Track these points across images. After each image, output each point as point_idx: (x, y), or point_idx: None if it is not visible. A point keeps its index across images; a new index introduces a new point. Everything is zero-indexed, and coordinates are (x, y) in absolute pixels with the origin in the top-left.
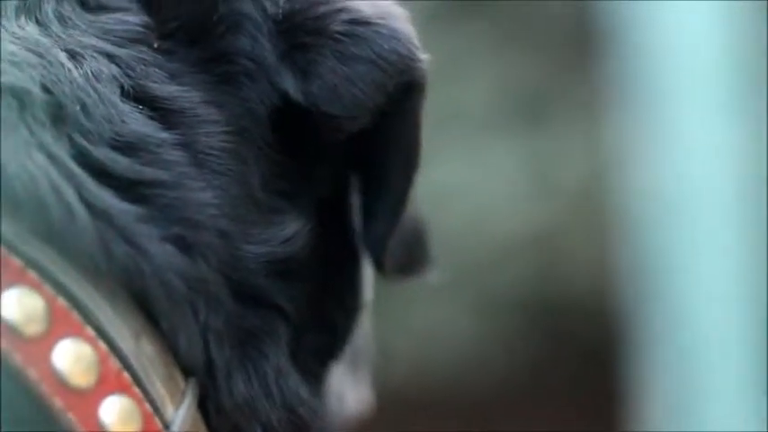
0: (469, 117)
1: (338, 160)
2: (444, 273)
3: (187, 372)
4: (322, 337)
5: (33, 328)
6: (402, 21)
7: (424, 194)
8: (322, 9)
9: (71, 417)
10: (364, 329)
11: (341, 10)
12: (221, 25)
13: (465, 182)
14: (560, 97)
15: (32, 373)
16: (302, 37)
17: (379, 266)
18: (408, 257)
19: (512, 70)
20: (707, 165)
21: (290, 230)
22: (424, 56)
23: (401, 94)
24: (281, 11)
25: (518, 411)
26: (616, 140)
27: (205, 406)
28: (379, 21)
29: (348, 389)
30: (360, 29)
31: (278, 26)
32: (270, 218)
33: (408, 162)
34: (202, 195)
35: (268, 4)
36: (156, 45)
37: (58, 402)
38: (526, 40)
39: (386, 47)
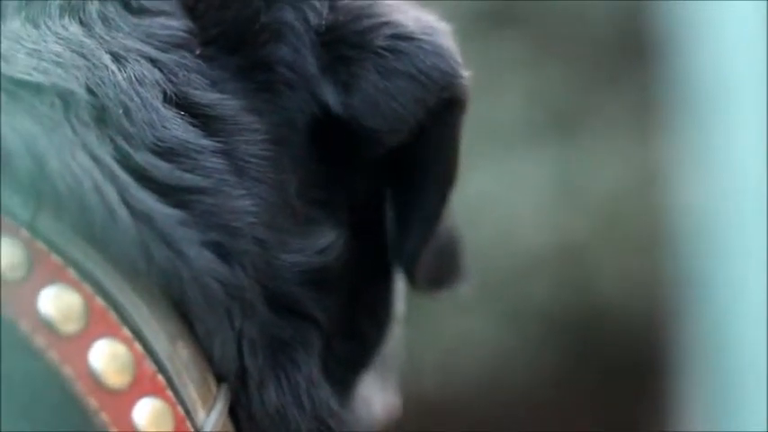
0: (501, 129)
1: (376, 173)
2: (473, 284)
3: (220, 377)
4: (353, 347)
5: (71, 326)
6: (445, 36)
7: (455, 206)
8: (366, 22)
9: (104, 417)
10: (391, 337)
11: (385, 24)
12: (263, 34)
13: (495, 194)
14: (592, 111)
15: (68, 371)
16: (345, 50)
17: (411, 279)
18: (441, 270)
19: (544, 83)
20: (737, 181)
21: (325, 241)
22: (466, 72)
23: (442, 109)
24: (324, 22)
25: (543, 423)
26: (647, 155)
27: (236, 412)
28: (422, 36)
29: (376, 394)
30: (402, 44)
31: (320, 37)
32: (306, 227)
33: (445, 178)
34: (241, 203)
35: (311, 15)
36: (198, 51)
37: (92, 401)
38: (558, 53)
39: (428, 62)
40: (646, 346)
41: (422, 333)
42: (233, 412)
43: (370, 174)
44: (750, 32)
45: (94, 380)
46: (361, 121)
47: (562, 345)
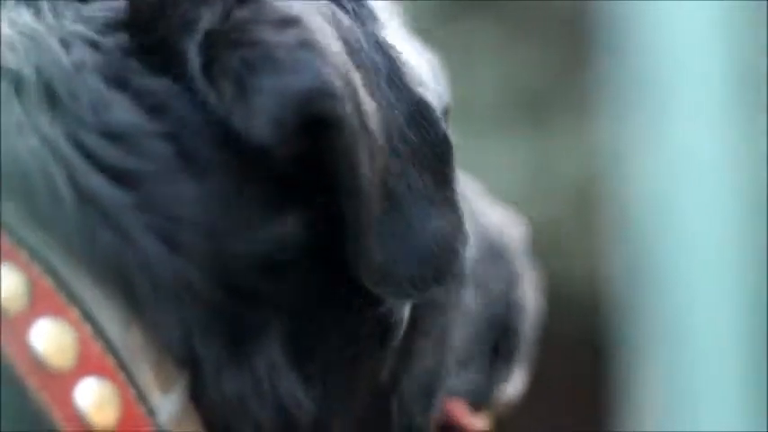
0: (472, 113)
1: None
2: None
3: (169, 364)
4: (335, 343)
5: (13, 306)
6: (319, 50)
7: None
8: (239, 34)
9: (45, 396)
10: (532, 312)
11: (252, 42)
12: (176, 25)
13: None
14: (561, 96)
15: (7, 350)
16: (218, 54)
17: (373, 288)
18: (429, 272)
19: (513, 69)
20: (705, 165)
21: (285, 227)
22: (337, 90)
23: (314, 129)
24: (217, 21)
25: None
26: (615, 140)
27: (196, 399)
28: (284, 54)
29: (464, 382)
30: (259, 63)
31: (207, 38)
32: (264, 214)
33: (353, 195)
34: (188, 191)
35: (208, 14)
36: (135, 35)
37: (32, 382)
38: (528, 39)
39: (285, 81)
40: (612, 329)
41: None
42: (195, 398)
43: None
44: (704, 17)
45: (34, 360)
46: (240, 129)
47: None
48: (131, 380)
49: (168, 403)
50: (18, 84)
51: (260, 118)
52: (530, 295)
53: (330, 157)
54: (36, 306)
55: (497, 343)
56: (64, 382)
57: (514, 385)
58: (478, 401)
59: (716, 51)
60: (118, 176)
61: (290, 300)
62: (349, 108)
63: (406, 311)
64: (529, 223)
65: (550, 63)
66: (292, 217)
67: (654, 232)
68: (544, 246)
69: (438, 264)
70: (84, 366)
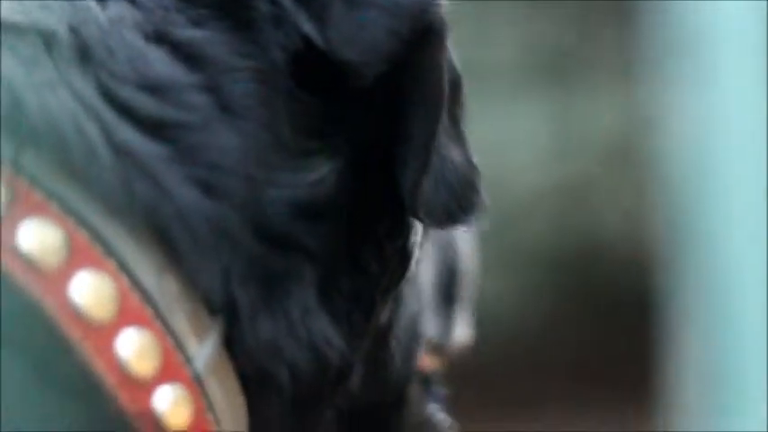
0: (498, 75)
1: (374, 105)
2: (485, 225)
3: (213, 310)
4: (358, 282)
5: (50, 260)
6: None
7: None
8: None
9: (87, 348)
10: (471, 265)
11: None
12: None
13: (492, 138)
14: (589, 54)
15: (48, 305)
16: None
17: (414, 214)
18: (453, 203)
19: (539, 27)
20: (739, 121)
21: (318, 173)
22: (441, 1)
23: (418, 39)
24: None
25: (539, 366)
26: (644, 97)
27: (231, 346)
28: None
29: (432, 324)
30: None
31: None
32: (298, 161)
33: (430, 109)
34: (227, 139)
35: None
36: None
37: (74, 333)
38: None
39: None
40: (643, 286)
41: None
42: (229, 345)
43: (365, 106)
44: None
45: (75, 312)
46: (337, 53)
47: (559, 287)
48: (168, 329)
49: (204, 351)
50: (50, 41)
51: (371, 29)
52: (469, 246)
53: (416, 73)
54: (74, 259)
55: (449, 288)
56: (105, 333)
57: (465, 330)
58: (439, 344)
59: (740, 8)
60: (154, 128)
61: (322, 245)
62: None
63: (417, 250)
64: (553, 182)
65: (575, 22)
66: (325, 164)
67: (688, 189)
68: (574, 204)
69: (464, 196)
70: (123, 317)
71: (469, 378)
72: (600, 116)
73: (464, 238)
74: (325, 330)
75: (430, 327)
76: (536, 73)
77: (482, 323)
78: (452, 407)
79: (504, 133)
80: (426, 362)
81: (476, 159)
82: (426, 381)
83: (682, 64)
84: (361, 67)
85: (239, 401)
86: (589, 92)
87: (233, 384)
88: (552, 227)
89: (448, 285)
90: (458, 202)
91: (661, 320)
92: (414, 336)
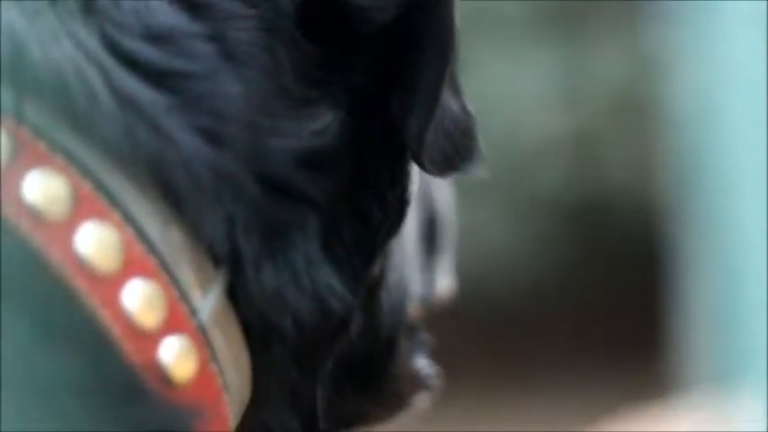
0: (507, 25)
1: (375, 53)
2: (486, 169)
3: (217, 261)
4: (359, 230)
5: (56, 211)
6: None
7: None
8: None
9: (93, 300)
10: (448, 214)
11: None
12: None
13: (502, 88)
14: (595, 3)
15: (54, 256)
16: None
17: (419, 161)
18: (452, 152)
19: None
20: (746, 68)
21: (321, 122)
22: None
23: None
24: None
25: (551, 312)
26: (651, 45)
27: (234, 296)
28: None
29: (416, 275)
30: None
31: None
32: (300, 110)
33: (441, 55)
34: (231, 88)
35: None
36: None
37: (80, 285)
38: None
39: None
40: (651, 233)
41: None
42: (232, 296)
43: (371, 54)
44: None
45: (81, 263)
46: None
47: (568, 234)
48: (173, 280)
49: (208, 302)
50: None
51: None
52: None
53: (428, 16)
54: (79, 210)
55: (430, 238)
56: (111, 284)
57: (447, 279)
58: (424, 296)
59: None
60: (157, 77)
61: (324, 195)
62: None
63: (412, 198)
64: (563, 130)
65: None
66: (327, 113)
67: (696, 137)
68: (583, 154)
69: (462, 144)
70: (129, 268)
71: (477, 325)
72: (608, 65)
73: (441, 186)
74: (329, 279)
75: (415, 278)
76: (543, 23)
77: (490, 270)
78: (459, 353)
79: (513, 83)
80: (411, 311)
81: (472, 108)
82: (412, 329)
83: (688, 11)
84: (374, 12)
85: (242, 352)
86: (596, 41)
87: (236, 335)
88: (561, 176)
89: (429, 235)
90: (456, 151)
91: (668, 267)
92: (402, 287)
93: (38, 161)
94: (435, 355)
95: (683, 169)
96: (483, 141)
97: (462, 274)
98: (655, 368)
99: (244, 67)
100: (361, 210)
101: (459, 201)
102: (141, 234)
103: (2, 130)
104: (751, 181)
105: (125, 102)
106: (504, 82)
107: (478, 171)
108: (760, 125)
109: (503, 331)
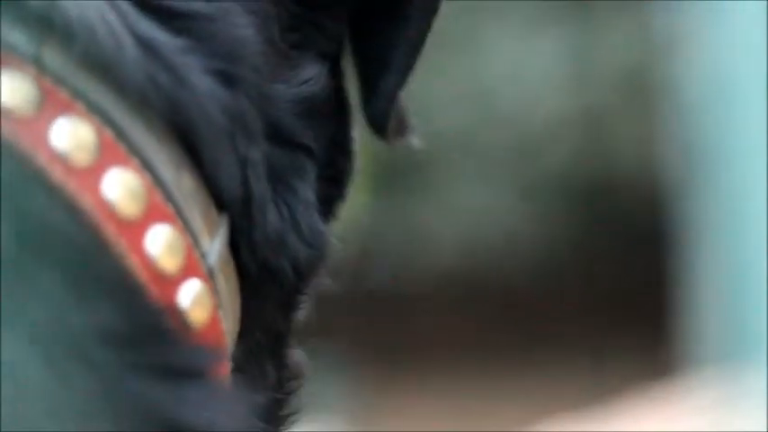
0: (516, 5)
1: (343, 19)
2: (493, 154)
3: (221, 206)
4: (331, 179)
5: (83, 158)
6: None
7: (479, 80)
8: None
9: (122, 246)
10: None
11: None
12: None
13: (512, 69)
14: None
15: (85, 202)
16: None
17: (380, 128)
18: (398, 120)
19: None
20: (754, 48)
21: (310, 72)
22: None
23: None
24: None
25: (559, 293)
26: (660, 25)
27: (235, 241)
28: None
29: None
30: None
31: None
32: (291, 61)
33: (426, 15)
34: (244, 31)
35: None
36: None
37: (109, 231)
38: None
39: None
40: (658, 213)
41: (438, 206)
42: (232, 241)
43: (340, 19)
44: None
45: (109, 209)
46: None
47: (575, 214)
48: (187, 225)
49: (214, 247)
50: None
51: None
52: None
53: None
54: (103, 157)
55: None
56: (136, 230)
57: None
58: None
59: None
60: (173, 20)
61: (317, 144)
62: None
63: None
64: (577, 111)
65: None
66: (312, 65)
67: (704, 117)
68: (591, 134)
69: (403, 113)
70: (151, 214)
71: (484, 302)
72: (617, 46)
73: None
74: (321, 226)
75: None
76: (554, 4)
77: (498, 248)
78: (468, 330)
79: (523, 63)
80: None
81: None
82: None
83: None
84: None
85: (237, 299)
86: (605, 22)
87: (234, 282)
88: (569, 155)
89: None
90: (400, 119)
91: (675, 247)
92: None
93: (63, 109)
94: (446, 332)
95: (691, 148)
96: (492, 121)
97: (471, 251)
98: (660, 347)
99: (249, 12)
100: (333, 160)
101: (468, 180)
102: (158, 180)
103: (26, 78)
104: (758, 160)
105: (142, 45)
106: (514, 62)
107: (414, 140)
108: (766, 105)
109: (510, 308)
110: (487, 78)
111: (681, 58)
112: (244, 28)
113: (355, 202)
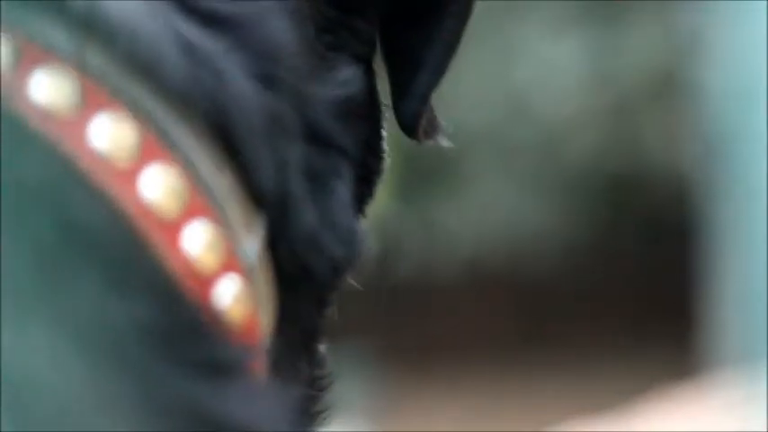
0: (545, 3)
1: (377, 18)
2: (519, 151)
3: (259, 206)
4: (362, 180)
5: (124, 156)
6: None
7: (500, 79)
8: None
9: (160, 244)
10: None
11: None
12: None
13: (541, 64)
14: None
15: (125, 200)
16: None
17: (412, 127)
18: (429, 121)
19: None
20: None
21: (346, 74)
22: None
23: None
24: None
25: (579, 290)
26: (685, 23)
27: (273, 240)
28: None
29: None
30: None
31: None
32: (326, 63)
33: (461, 18)
34: (282, 32)
35: None
36: None
37: (149, 228)
38: None
39: None
40: (683, 211)
41: (457, 201)
42: (270, 240)
43: (372, 21)
44: None
45: (150, 207)
46: None
47: (600, 210)
48: (227, 223)
49: (253, 246)
50: None
51: None
52: None
53: None
54: (144, 155)
55: None
56: (174, 228)
57: None
58: None
59: None
60: (214, 22)
61: (353, 145)
62: None
63: None
64: (603, 107)
65: None
66: (347, 67)
67: (729, 114)
68: (617, 128)
69: (434, 114)
70: (191, 212)
71: (508, 296)
72: (643, 43)
73: None
74: (356, 226)
75: None
76: (582, 1)
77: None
78: (497, 327)
79: (549, 62)
80: None
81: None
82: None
83: None
84: None
85: (273, 296)
86: (632, 20)
87: (271, 279)
88: (595, 150)
89: None
90: (431, 120)
91: (700, 246)
92: None
93: (104, 107)
94: (470, 330)
95: (715, 147)
96: (519, 118)
97: (494, 249)
98: (685, 345)
99: (288, 13)
100: (365, 162)
101: (493, 173)
102: (199, 178)
103: (68, 76)
104: None
105: (187, 48)
106: (544, 59)
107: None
108: None
109: (534, 306)
110: (515, 77)
111: (707, 56)
112: (282, 29)
113: (381, 198)
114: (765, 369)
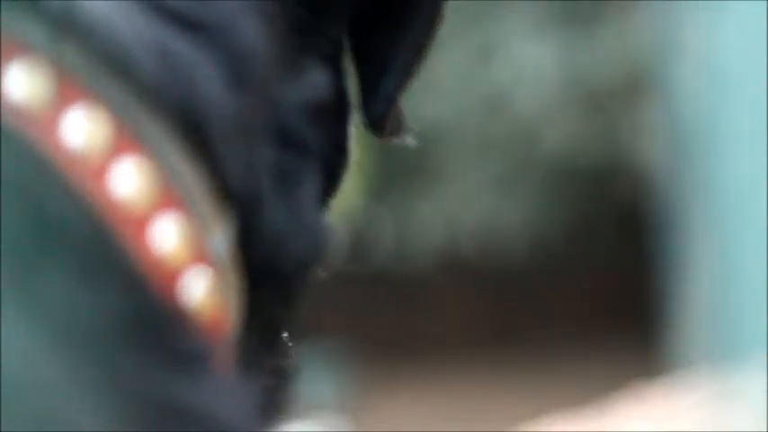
0: (526, 5)
1: (344, 21)
2: (493, 144)
3: (228, 203)
4: (327, 174)
5: (96, 150)
6: None
7: (477, 77)
8: None
9: (131, 237)
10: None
11: None
12: None
13: (512, 64)
14: None
15: (96, 193)
16: None
17: (380, 129)
18: (395, 119)
19: None
20: (752, 44)
21: (314, 75)
22: None
23: None
24: None
25: (553, 282)
26: (659, 20)
27: (240, 236)
28: None
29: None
30: None
31: None
32: (295, 64)
33: (432, 15)
34: (253, 34)
35: None
36: None
37: (119, 220)
38: None
39: None
40: (653, 205)
41: (431, 190)
42: (237, 236)
43: (341, 22)
44: None
45: (120, 200)
46: None
47: (573, 204)
48: (196, 217)
49: (222, 239)
50: None
51: None
52: None
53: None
54: (116, 149)
55: None
56: (145, 219)
57: None
58: None
59: None
60: (186, 23)
61: (321, 146)
62: None
63: None
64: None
65: None
66: (321, 66)
67: (701, 109)
68: (591, 122)
69: (399, 112)
70: (161, 204)
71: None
72: (615, 41)
73: None
74: (323, 221)
75: None
76: (561, 4)
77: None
78: (465, 324)
79: (524, 60)
80: None
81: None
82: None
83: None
84: None
85: (241, 291)
86: (605, 18)
87: (238, 274)
88: (568, 149)
89: None
90: (397, 118)
91: (672, 240)
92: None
93: (77, 102)
94: (447, 314)
95: (687, 142)
96: (498, 112)
97: (469, 242)
98: (657, 339)
99: (259, 14)
100: (330, 157)
101: (469, 170)
102: (170, 172)
103: (43, 72)
104: (755, 150)
105: (161, 47)
106: (520, 57)
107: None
108: (761, 97)
109: (507, 300)
110: (491, 75)
111: (678, 54)
112: (252, 30)
113: (356, 194)
114: (743, 366)
